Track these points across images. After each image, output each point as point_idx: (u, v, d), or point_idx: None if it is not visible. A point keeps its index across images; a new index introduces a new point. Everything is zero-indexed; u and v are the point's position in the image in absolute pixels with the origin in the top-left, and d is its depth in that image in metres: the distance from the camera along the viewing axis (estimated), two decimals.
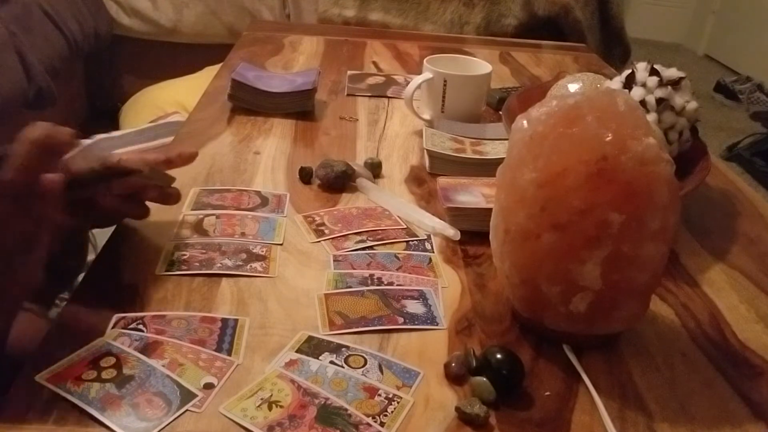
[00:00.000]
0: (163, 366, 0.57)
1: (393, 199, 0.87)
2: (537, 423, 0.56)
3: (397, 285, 0.70)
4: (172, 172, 0.74)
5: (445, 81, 1.07)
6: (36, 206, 0.55)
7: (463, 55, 1.25)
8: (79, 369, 0.56)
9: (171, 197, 0.74)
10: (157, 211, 0.74)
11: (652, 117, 0.83)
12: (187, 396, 0.54)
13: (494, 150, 0.97)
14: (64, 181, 0.55)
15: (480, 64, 1.15)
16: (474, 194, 0.83)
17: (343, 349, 0.61)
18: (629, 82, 0.87)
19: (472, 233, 0.79)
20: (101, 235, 0.78)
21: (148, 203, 0.73)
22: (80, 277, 0.71)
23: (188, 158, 0.75)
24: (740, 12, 4.30)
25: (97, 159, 0.65)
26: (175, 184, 0.74)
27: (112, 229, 0.76)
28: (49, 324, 0.64)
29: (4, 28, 1.68)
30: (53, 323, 0.63)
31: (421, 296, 0.69)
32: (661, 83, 0.85)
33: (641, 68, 0.87)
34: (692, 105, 0.85)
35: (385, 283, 0.71)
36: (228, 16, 2.38)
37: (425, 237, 0.80)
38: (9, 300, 0.59)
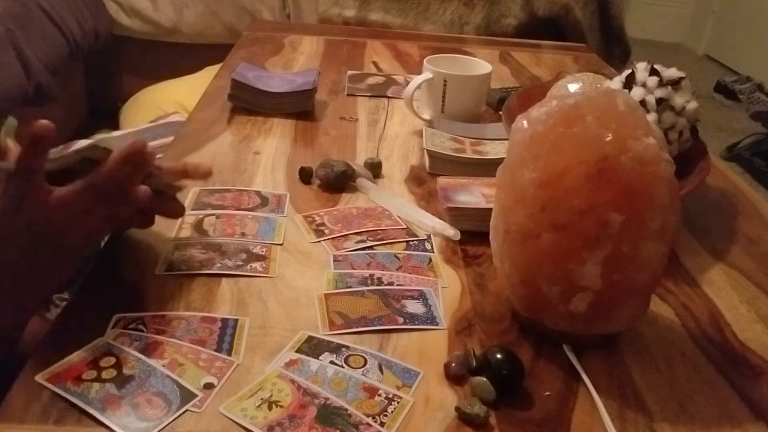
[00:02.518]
0: (163, 366, 0.57)
1: (393, 199, 0.87)
2: (537, 423, 0.56)
3: (397, 285, 0.70)
4: None
5: (445, 81, 1.07)
6: (116, 210, 0.62)
7: (463, 55, 1.25)
8: (79, 369, 0.56)
9: (176, 212, 0.73)
10: None
11: (652, 117, 0.83)
12: (187, 396, 0.54)
13: (494, 150, 0.97)
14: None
15: (480, 64, 1.15)
16: (474, 194, 0.83)
17: (343, 349, 0.61)
18: (629, 82, 0.87)
19: (472, 233, 0.79)
20: None
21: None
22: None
23: (204, 174, 0.76)
24: (740, 12, 4.30)
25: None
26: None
27: None
28: (48, 324, 0.64)
29: (0, 24, 1.68)
30: (53, 323, 0.63)
31: (421, 296, 0.69)
32: (661, 83, 0.85)
33: (641, 68, 0.87)
34: (692, 105, 0.85)
35: (385, 283, 0.71)
36: (228, 16, 2.38)
37: (425, 237, 0.80)
38: (49, 291, 0.65)
